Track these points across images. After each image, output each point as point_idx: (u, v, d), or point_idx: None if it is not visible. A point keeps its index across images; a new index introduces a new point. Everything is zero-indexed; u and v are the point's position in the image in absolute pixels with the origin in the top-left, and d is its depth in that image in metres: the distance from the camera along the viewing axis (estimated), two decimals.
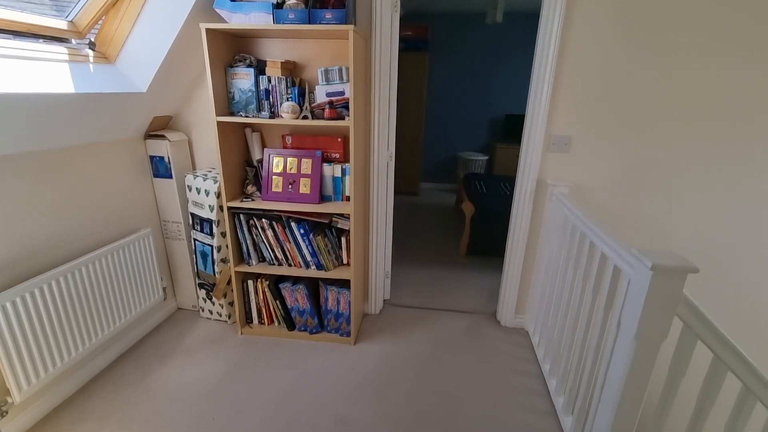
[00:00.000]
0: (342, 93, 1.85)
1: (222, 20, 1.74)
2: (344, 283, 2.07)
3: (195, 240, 2.13)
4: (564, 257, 1.79)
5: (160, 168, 2.05)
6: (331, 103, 1.81)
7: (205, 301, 2.24)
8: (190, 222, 2.11)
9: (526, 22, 4.86)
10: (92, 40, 1.67)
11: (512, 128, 5.18)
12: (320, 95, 1.86)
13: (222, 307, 2.22)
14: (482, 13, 4.89)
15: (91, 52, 1.66)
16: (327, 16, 1.60)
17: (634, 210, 2.03)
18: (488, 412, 1.71)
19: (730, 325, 2.16)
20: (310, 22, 1.62)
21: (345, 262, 2.07)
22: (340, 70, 1.82)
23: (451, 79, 5.25)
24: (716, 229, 2.02)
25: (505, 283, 2.29)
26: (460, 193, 4.29)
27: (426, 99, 4.87)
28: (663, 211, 2.02)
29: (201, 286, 2.20)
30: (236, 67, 1.81)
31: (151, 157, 2.05)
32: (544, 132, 1.95)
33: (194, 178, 2.01)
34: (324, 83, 1.85)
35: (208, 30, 1.64)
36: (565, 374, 1.69)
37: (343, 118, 1.81)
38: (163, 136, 2.00)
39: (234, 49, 1.89)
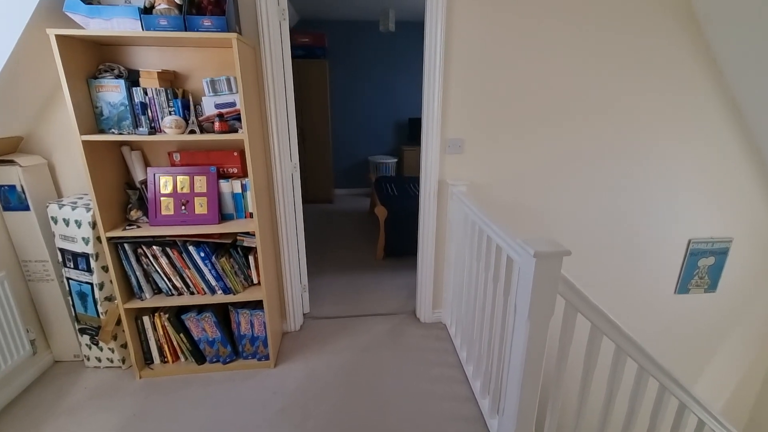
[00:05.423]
0: (233, 104, 1.74)
1: (77, 25, 1.51)
2: (257, 304, 1.95)
3: (69, 279, 1.82)
4: (468, 251, 1.91)
5: (11, 199, 1.71)
6: (221, 115, 1.69)
7: (90, 348, 1.93)
8: (60, 259, 1.80)
9: (418, 31, 5.14)
10: None
11: (416, 131, 5.42)
12: (208, 107, 1.73)
13: (113, 351, 1.93)
14: (376, 22, 5.04)
15: None
16: (206, 24, 1.49)
17: (521, 202, 2.26)
18: (414, 408, 1.75)
19: (605, 297, 2.53)
20: (186, 30, 1.49)
21: (255, 281, 1.95)
22: (228, 80, 1.71)
23: (353, 85, 5.33)
24: (589, 214, 2.35)
25: (421, 281, 2.38)
26: (373, 197, 4.36)
27: (330, 106, 4.86)
28: (544, 200, 2.28)
29: (83, 331, 1.89)
30: (102, 78, 1.59)
31: None
32: (439, 136, 2.07)
33: (60, 208, 1.72)
34: (211, 94, 1.72)
35: (59, 37, 1.41)
36: (480, 359, 1.81)
37: (236, 131, 1.70)
38: (12, 161, 1.68)
39: (97, 58, 1.66)
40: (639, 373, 1.42)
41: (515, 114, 2.10)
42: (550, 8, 1.95)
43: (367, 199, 5.46)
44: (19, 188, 1.70)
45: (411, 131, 5.47)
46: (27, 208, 1.73)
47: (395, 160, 5.52)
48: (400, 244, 3.40)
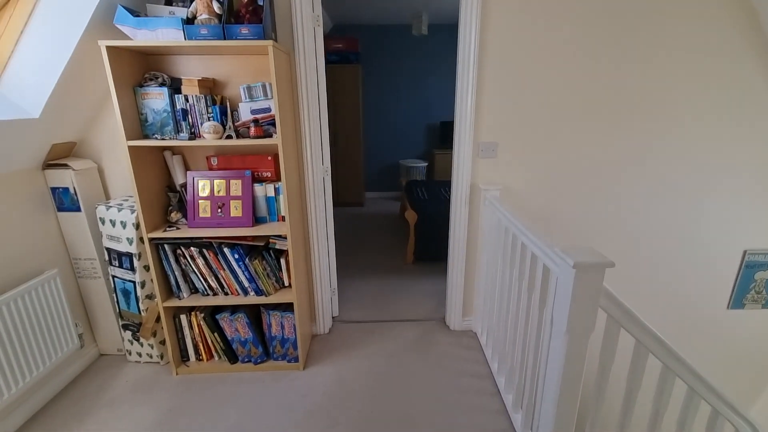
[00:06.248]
0: (268, 110, 1.78)
1: (126, 37, 1.60)
2: (287, 306, 1.98)
3: (114, 277, 1.92)
4: (501, 258, 1.86)
5: (64, 200, 1.83)
6: (256, 120, 1.73)
7: (132, 343, 2.02)
8: (107, 257, 1.90)
9: (451, 33, 5.09)
10: None
11: (448, 135, 5.36)
12: (244, 113, 1.78)
13: (152, 347, 2.01)
14: (409, 26, 5.03)
15: None
16: (243, 32, 1.53)
17: (557, 208, 2.17)
18: (443, 419, 1.71)
19: (648, 310, 2.37)
20: (225, 38, 1.54)
21: (287, 284, 1.98)
22: (264, 86, 1.75)
23: (386, 89, 5.34)
24: (632, 222, 2.22)
25: (451, 287, 2.33)
26: (403, 200, 4.34)
27: (362, 110, 4.90)
28: (583, 207, 2.17)
29: (125, 327, 1.99)
30: (147, 86, 1.67)
31: (53, 189, 1.82)
32: (472, 139, 2.02)
33: (107, 210, 1.82)
34: (248, 100, 1.77)
35: (109, 48, 1.50)
36: (512, 372, 1.74)
37: (270, 136, 1.74)
38: (65, 165, 1.79)
39: (143, 67, 1.75)
40: (689, 395, 1.32)
41: (552, 117, 2.02)
42: (590, 6, 1.86)
43: (397, 202, 5.45)
44: (71, 190, 1.81)
45: (442, 135, 5.42)
46: (78, 209, 1.85)
47: (426, 164, 5.48)
48: (430, 248, 3.35)
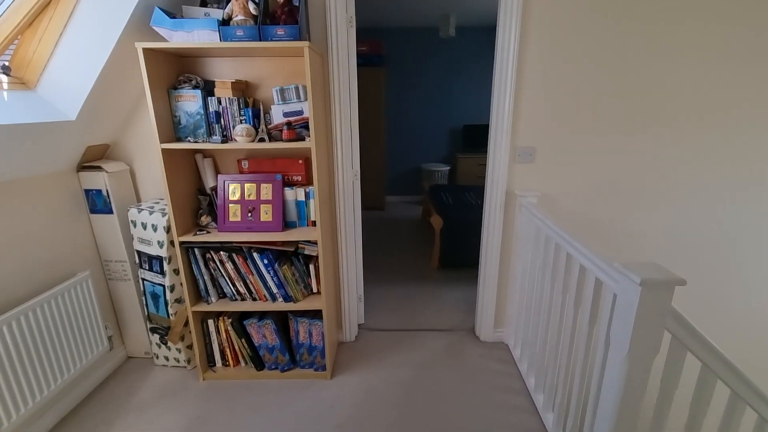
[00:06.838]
0: (300, 112, 1.73)
1: (162, 39, 1.58)
2: (315, 314, 1.93)
3: (144, 280, 1.91)
4: (540, 268, 1.76)
5: (97, 202, 1.83)
6: (289, 123, 1.69)
7: (160, 347, 2.01)
8: (137, 260, 1.89)
9: (478, 36, 5.00)
10: (6, 64, 1.45)
11: (471, 138, 5.26)
12: (277, 116, 1.74)
13: (179, 352, 1.99)
14: (435, 28, 4.97)
15: (5, 78, 1.45)
16: (279, 33, 1.49)
17: (598, 217, 2.05)
18: None
19: (711, 330, 2.22)
20: (260, 40, 1.50)
21: (315, 290, 1.93)
22: (297, 88, 1.71)
23: (409, 92, 5.28)
24: (682, 234, 2.08)
25: (482, 297, 2.24)
26: (426, 205, 4.26)
27: (385, 113, 4.84)
28: (629, 216, 2.05)
29: (154, 330, 1.97)
30: (181, 88, 1.65)
31: (87, 191, 1.82)
32: (509, 144, 1.93)
33: (139, 212, 1.81)
34: (280, 103, 1.73)
35: (145, 50, 1.48)
36: (552, 389, 1.64)
37: (303, 139, 1.70)
38: (99, 167, 1.79)
39: (177, 69, 1.73)
40: (759, 425, 1.20)
41: (597, 120, 1.91)
42: (638, 7, 1.76)
43: (418, 206, 5.37)
44: (104, 192, 1.81)
45: (466, 138, 5.32)
46: (110, 212, 1.84)
47: (448, 167, 5.38)
48: (456, 254, 3.26)
